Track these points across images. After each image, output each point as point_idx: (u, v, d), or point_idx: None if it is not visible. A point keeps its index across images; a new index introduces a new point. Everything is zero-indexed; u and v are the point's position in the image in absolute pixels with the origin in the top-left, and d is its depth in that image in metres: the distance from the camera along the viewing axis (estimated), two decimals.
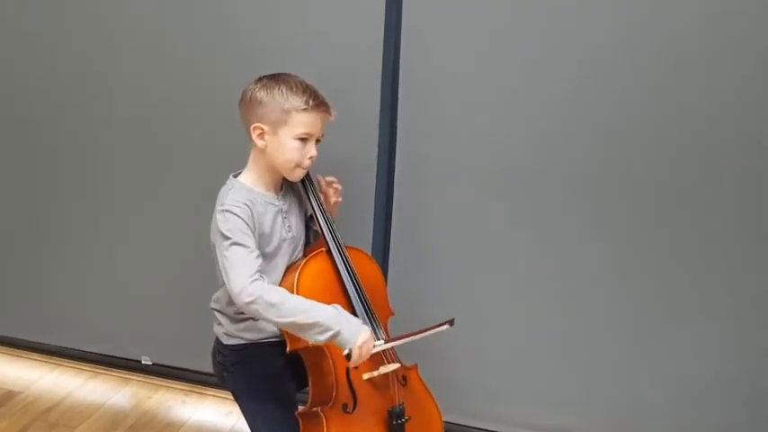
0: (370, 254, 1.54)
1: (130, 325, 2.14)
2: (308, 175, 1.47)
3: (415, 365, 1.54)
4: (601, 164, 1.57)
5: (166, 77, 1.83)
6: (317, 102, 1.32)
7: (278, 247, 1.40)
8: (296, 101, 1.30)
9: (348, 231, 1.64)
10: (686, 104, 1.48)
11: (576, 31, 1.50)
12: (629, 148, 1.55)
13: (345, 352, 1.25)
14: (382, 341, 1.37)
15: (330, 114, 1.36)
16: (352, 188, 1.70)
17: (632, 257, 1.62)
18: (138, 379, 2.23)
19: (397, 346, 1.41)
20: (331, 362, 1.37)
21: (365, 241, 1.74)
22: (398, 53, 1.62)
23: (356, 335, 1.26)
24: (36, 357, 2.32)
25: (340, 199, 1.51)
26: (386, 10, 1.58)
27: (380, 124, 1.68)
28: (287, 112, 1.30)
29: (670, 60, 1.46)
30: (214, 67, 1.76)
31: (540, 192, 1.63)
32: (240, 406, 1.43)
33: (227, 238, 1.27)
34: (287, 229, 1.42)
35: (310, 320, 1.23)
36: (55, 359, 2.30)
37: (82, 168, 2.00)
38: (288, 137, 1.32)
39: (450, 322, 1.39)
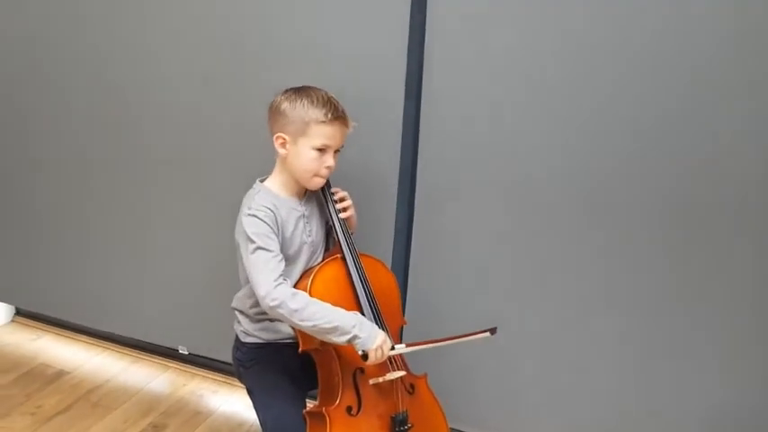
0: (385, 263, 1.57)
1: (170, 315, 2.24)
2: (328, 184, 1.53)
3: (425, 375, 1.57)
4: (633, 177, 1.53)
5: (195, 90, 1.92)
6: (336, 115, 1.38)
7: (298, 251, 1.47)
8: (316, 113, 1.36)
9: (369, 241, 1.71)
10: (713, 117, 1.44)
11: (603, 38, 1.48)
12: (660, 157, 1.50)
13: (361, 353, 1.32)
14: (403, 345, 1.41)
15: (348, 127, 1.42)
16: (374, 197, 1.76)
17: (670, 272, 1.56)
18: (176, 367, 2.35)
19: (414, 351, 1.45)
20: (338, 364, 1.42)
21: (385, 251, 1.78)
22: (422, 63, 1.64)
23: (373, 338, 1.33)
24: (87, 340, 2.49)
25: (350, 213, 1.54)
26: (410, 25, 1.61)
27: (403, 135, 1.70)
28: (307, 123, 1.36)
29: (702, 72, 1.43)
30: (241, 78, 1.84)
31: (566, 203, 1.61)
32: (253, 402, 1.51)
33: (253, 241, 1.35)
34: (307, 233, 1.48)
35: (330, 325, 1.31)
36: (103, 343, 2.47)
37: (128, 165, 2.12)
38: (307, 147, 1.38)
39: (492, 330, 1.40)
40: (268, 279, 1.31)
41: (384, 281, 1.54)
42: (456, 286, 1.77)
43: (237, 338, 1.54)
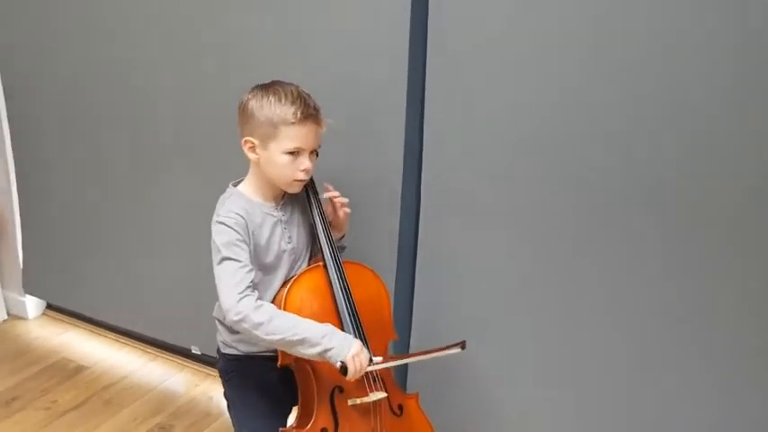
0: (375, 271, 1.45)
1: (184, 315, 2.22)
2: (312, 185, 1.42)
3: (416, 395, 1.44)
4: (652, 197, 1.35)
5: (206, 86, 1.87)
6: (306, 114, 1.26)
7: (277, 259, 1.37)
8: (284, 113, 1.25)
9: (370, 255, 1.60)
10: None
11: (618, 30, 1.30)
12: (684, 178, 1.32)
13: (338, 365, 1.21)
14: (381, 358, 1.30)
15: (321, 125, 1.30)
16: (375, 208, 1.66)
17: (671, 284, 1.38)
18: (192, 366, 2.33)
19: (395, 366, 1.35)
20: (314, 381, 1.32)
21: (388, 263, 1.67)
22: (425, 62, 1.51)
23: (347, 347, 1.23)
24: (111, 336, 2.51)
25: (347, 210, 1.44)
26: (411, 20, 1.48)
27: (406, 141, 1.58)
28: (275, 126, 1.25)
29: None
30: (248, 75, 1.75)
31: (582, 210, 1.44)
32: (230, 414, 1.44)
33: (220, 251, 1.27)
34: (287, 240, 1.38)
35: (297, 337, 1.22)
36: (126, 340, 2.48)
37: (149, 169, 2.10)
38: (277, 152, 1.28)
39: (462, 345, 1.31)
40: (232, 292, 1.23)
41: (372, 290, 1.43)
42: (466, 303, 1.63)
43: (218, 348, 1.47)
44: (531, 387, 1.59)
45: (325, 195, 1.41)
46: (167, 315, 2.28)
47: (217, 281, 1.27)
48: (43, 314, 2.67)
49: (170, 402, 2.13)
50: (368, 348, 1.32)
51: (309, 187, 1.42)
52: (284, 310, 1.31)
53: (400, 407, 1.40)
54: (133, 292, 2.31)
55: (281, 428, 1.34)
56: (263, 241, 1.34)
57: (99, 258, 2.36)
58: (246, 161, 1.36)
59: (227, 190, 1.37)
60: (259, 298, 1.33)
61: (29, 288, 2.56)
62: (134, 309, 2.34)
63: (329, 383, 1.32)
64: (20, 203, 2.48)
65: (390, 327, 1.44)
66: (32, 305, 2.62)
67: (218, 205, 1.35)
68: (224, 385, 1.47)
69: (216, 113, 1.82)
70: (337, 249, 1.39)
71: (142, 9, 1.92)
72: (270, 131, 1.26)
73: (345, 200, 1.43)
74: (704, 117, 1.26)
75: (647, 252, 1.38)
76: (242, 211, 1.30)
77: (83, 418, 2.03)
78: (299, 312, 1.31)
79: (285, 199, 1.40)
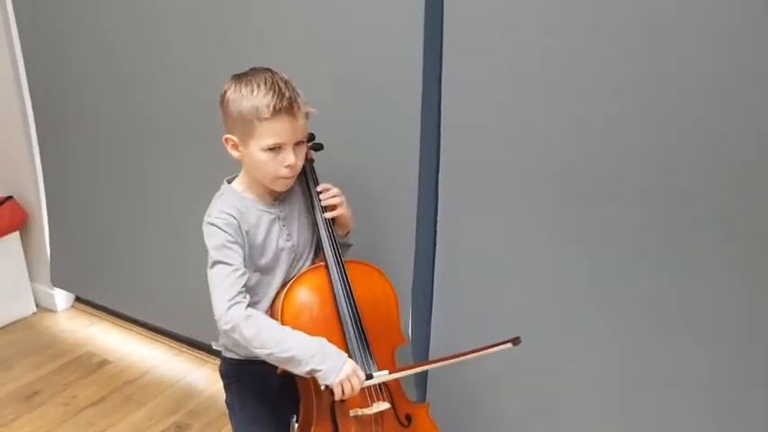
0: (383, 272, 1.34)
1: (208, 310, 2.17)
2: (314, 178, 1.33)
3: (426, 404, 1.34)
4: (681, 188, 1.20)
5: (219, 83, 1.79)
6: (279, 107, 1.13)
7: (275, 258, 1.28)
8: (257, 107, 1.14)
9: (389, 249, 1.55)
10: None
11: (643, 21, 1.15)
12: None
13: (323, 388, 1.13)
14: (385, 372, 1.20)
15: (298, 118, 1.17)
16: (391, 206, 1.57)
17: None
18: (214, 362, 2.28)
19: (398, 378, 1.24)
20: (313, 391, 1.23)
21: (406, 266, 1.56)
22: (441, 59, 1.39)
23: (337, 371, 1.13)
24: (138, 331, 2.49)
25: (339, 211, 1.32)
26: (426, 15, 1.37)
27: (422, 139, 1.48)
28: (249, 122, 1.15)
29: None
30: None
31: (600, 218, 1.31)
32: (230, 419, 1.36)
33: (211, 255, 1.19)
34: (285, 238, 1.29)
35: (286, 354, 1.13)
36: (152, 334, 2.46)
37: (172, 169, 2.06)
38: (256, 149, 1.17)
39: (514, 341, 1.19)
40: (222, 299, 1.15)
41: (378, 291, 1.32)
42: (488, 309, 1.50)
43: (221, 352, 1.40)
44: (562, 399, 1.46)
45: (321, 197, 1.30)
46: (191, 310, 2.22)
47: (209, 285, 1.19)
48: (72, 307, 2.69)
49: (189, 400, 2.09)
50: (371, 356, 1.23)
51: (310, 180, 1.32)
52: (282, 313, 1.23)
53: (408, 417, 1.30)
54: (158, 286, 2.28)
55: None
56: (258, 240, 1.25)
57: (125, 252, 2.34)
58: None
59: (221, 187, 1.29)
60: (252, 303, 1.25)
61: (56, 281, 2.58)
62: (159, 303, 2.31)
63: (329, 395, 1.22)
64: (47, 198, 2.49)
65: (398, 331, 1.33)
66: (61, 298, 2.64)
67: (210, 205, 1.26)
68: (225, 391, 1.39)
69: None
70: (340, 247, 1.29)
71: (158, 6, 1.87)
72: (246, 128, 1.16)
73: (337, 200, 1.31)
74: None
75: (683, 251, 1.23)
76: (234, 211, 1.21)
77: (100, 415, 2.01)
78: (297, 317, 1.23)
79: (284, 194, 1.30)
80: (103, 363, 2.29)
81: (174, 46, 1.89)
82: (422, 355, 1.65)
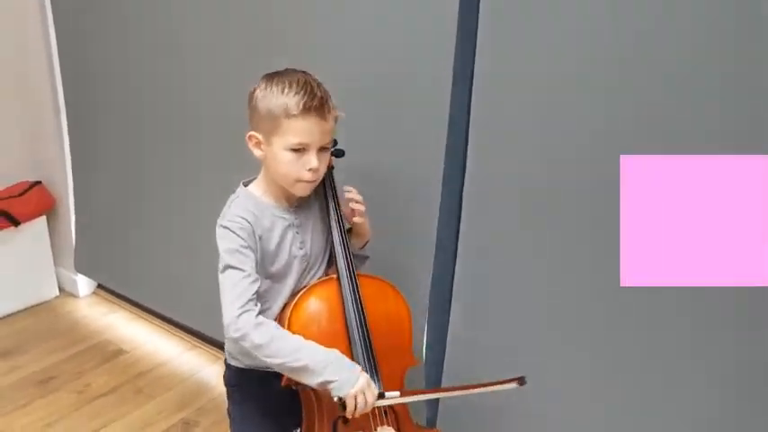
0: (398, 290, 1.29)
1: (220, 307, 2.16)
2: (332, 187, 1.28)
3: (436, 431, 1.28)
4: None
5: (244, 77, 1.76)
6: (309, 105, 1.10)
7: (287, 266, 1.24)
8: (286, 104, 1.10)
9: (404, 262, 1.49)
10: None
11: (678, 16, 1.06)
12: None
13: (336, 400, 1.08)
14: (396, 393, 1.15)
15: (327, 120, 1.14)
16: (411, 207, 1.51)
17: None
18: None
19: (409, 402, 1.19)
20: (316, 409, 1.19)
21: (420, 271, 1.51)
22: (474, 48, 1.33)
23: (351, 383, 1.08)
24: (154, 322, 2.50)
25: (360, 219, 1.29)
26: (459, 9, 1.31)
27: (449, 133, 1.41)
28: (277, 118, 1.12)
29: None
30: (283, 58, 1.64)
31: None
32: (230, 428, 1.33)
33: (223, 258, 1.16)
34: (298, 245, 1.25)
35: (299, 363, 1.09)
36: (168, 326, 2.46)
37: (194, 162, 2.05)
38: (280, 148, 1.14)
39: (520, 380, 1.10)
40: (233, 306, 1.11)
41: (391, 309, 1.27)
42: (511, 320, 1.44)
43: (225, 359, 1.37)
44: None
45: (347, 196, 1.27)
46: (207, 305, 2.20)
47: (220, 290, 1.15)
48: (93, 293, 2.71)
49: (199, 396, 2.08)
50: (377, 376, 1.18)
51: (328, 188, 1.28)
52: (289, 324, 1.19)
53: None
54: (177, 279, 2.27)
55: None
56: (271, 246, 1.21)
57: (147, 244, 2.34)
58: None
59: (237, 190, 1.25)
60: (263, 311, 1.22)
61: (80, 267, 2.60)
62: (177, 296, 2.31)
63: (333, 412, 1.18)
64: (74, 185, 2.51)
65: (409, 352, 1.28)
66: (84, 284, 2.66)
67: (225, 207, 1.23)
68: (227, 398, 1.36)
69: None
70: (353, 260, 1.25)
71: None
72: (272, 125, 1.13)
73: (362, 207, 1.28)
74: None
75: None
76: (248, 215, 1.18)
77: (111, 405, 2.01)
78: (304, 329, 1.18)
79: (300, 200, 1.26)
80: (119, 352, 2.30)
81: (201, 42, 1.88)
82: (435, 374, 1.60)
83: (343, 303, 1.21)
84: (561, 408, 1.40)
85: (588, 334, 1.32)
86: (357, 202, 1.27)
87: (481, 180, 1.41)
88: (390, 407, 1.21)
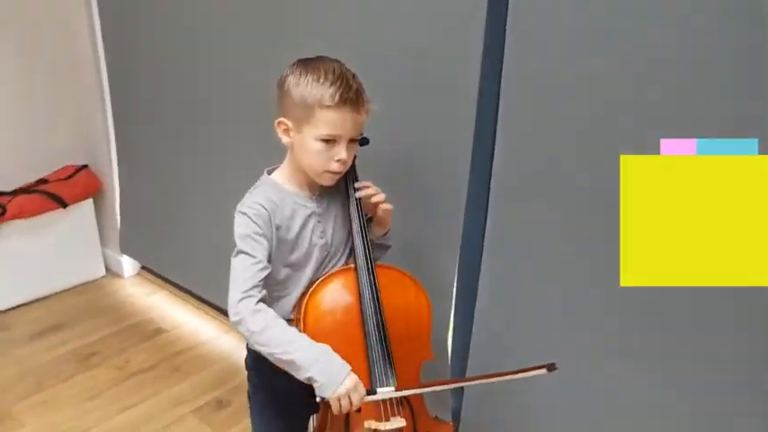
0: (419, 283, 1.28)
1: None
2: (354, 176, 1.28)
3: (450, 424, 1.28)
4: None
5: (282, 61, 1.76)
6: (345, 97, 1.10)
7: (307, 255, 1.25)
8: (320, 95, 1.10)
9: (432, 248, 1.47)
10: None
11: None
12: None
13: (318, 400, 1.08)
14: (390, 389, 1.15)
15: (360, 113, 1.14)
16: (438, 198, 1.50)
17: None
18: None
19: (406, 395, 1.19)
20: None
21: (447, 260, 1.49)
22: (504, 32, 1.29)
23: (335, 385, 1.07)
24: (194, 304, 2.57)
25: (386, 207, 1.27)
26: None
27: (477, 120, 1.38)
28: (310, 107, 1.11)
29: None
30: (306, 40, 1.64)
31: None
32: (249, 411, 1.36)
33: (237, 243, 1.18)
34: (319, 234, 1.25)
35: (287, 357, 1.09)
36: (205, 308, 2.53)
37: (235, 149, 2.08)
38: (311, 137, 1.14)
39: (550, 367, 1.10)
40: (237, 290, 1.13)
41: (410, 301, 1.26)
42: (535, 321, 1.41)
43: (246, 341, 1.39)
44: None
45: (357, 195, 1.25)
46: None
47: (231, 273, 1.17)
48: (138, 274, 2.81)
49: (233, 377, 2.13)
50: (391, 367, 1.17)
51: (350, 178, 1.27)
52: (305, 313, 1.19)
53: None
54: (216, 263, 2.28)
55: None
56: (291, 235, 1.22)
57: (188, 227, 2.40)
58: None
59: (261, 178, 1.27)
60: (280, 297, 1.25)
61: (124, 248, 2.69)
62: (216, 279, 2.32)
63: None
64: (119, 169, 2.59)
65: (427, 345, 1.27)
66: (129, 264, 2.76)
67: (246, 194, 1.25)
68: (247, 382, 1.39)
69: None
70: (372, 250, 1.24)
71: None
72: (304, 114, 1.12)
73: (382, 197, 1.26)
74: None
75: None
76: (267, 203, 1.18)
77: (148, 382, 2.09)
78: (319, 319, 1.19)
79: (323, 189, 1.26)
80: (159, 331, 2.38)
81: (241, 27, 1.89)
82: (460, 365, 1.59)
83: (360, 293, 1.21)
84: (588, 404, 1.37)
85: (618, 329, 1.28)
86: (373, 196, 1.26)
87: (509, 171, 1.38)
88: (405, 398, 1.21)
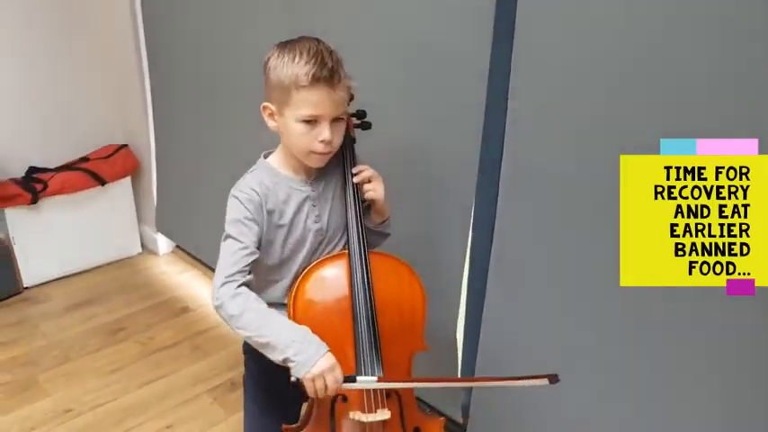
0: (414, 272, 1.23)
1: None
2: (351, 160, 1.24)
3: (441, 419, 1.22)
4: None
5: None
6: (319, 75, 1.06)
7: (302, 239, 1.22)
8: (296, 74, 1.06)
9: (441, 240, 1.43)
10: None
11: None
12: None
13: (293, 379, 1.05)
14: (372, 378, 1.10)
15: (335, 89, 1.09)
16: (449, 189, 1.45)
17: None
18: None
19: (387, 387, 1.15)
20: None
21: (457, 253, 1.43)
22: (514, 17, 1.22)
23: (310, 365, 1.04)
24: None
25: (374, 194, 1.21)
26: None
27: (487, 106, 1.32)
28: (287, 89, 1.08)
29: None
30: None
31: None
32: (243, 396, 1.35)
33: (225, 227, 1.17)
34: (314, 219, 1.22)
35: (263, 339, 1.08)
36: None
37: (264, 135, 2.04)
38: (292, 119, 1.11)
39: (551, 378, 1.01)
40: (221, 275, 1.11)
41: (405, 291, 1.21)
42: (549, 308, 1.34)
43: None
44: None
45: (354, 180, 1.21)
46: None
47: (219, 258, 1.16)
48: (172, 252, 2.87)
49: None
50: (378, 356, 1.13)
51: (347, 162, 1.23)
52: (295, 297, 1.17)
53: (416, 430, 1.19)
54: None
55: (282, 427, 1.22)
56: (285, 219, 1.19)
57: (220, 208, 2.39)
58: None
59: (257, 161, 1.24)
60: (273, 281, 1.23)
61: (160, 227, 2.76)
62: None
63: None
64: (156, 149, 2.64)
65: (419, 336, 1.22)
66: (164, 242, 2.82)
67: (241, 178, 1.23)
68: (243, 366, 1.38)
69: None
70: (366, 236, 1.20)
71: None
72: (283, 96, 1.10)
73: (371, 180, 1.21)
74: None
75: None
76: (260, 187, 1.16)
77: (169, 359, 2.12)
78: (310, 304, 1.17)
79: (319, 173, 1.23)
80: (185, 309, 2.43)
81: (273, 12, 1.88)
82: (469, 359, 1.54)
83: (352, 280, 1.17)
84: (595, 407, 1.29)
85: (629, 328, 1.19)
86: (367, 178, 1.21)
87: (519, 162, 1.31)
88: (394, 390, 1.17)
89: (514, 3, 1.20)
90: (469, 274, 1.50)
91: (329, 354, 1.05)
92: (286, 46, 1.11)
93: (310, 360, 1.04)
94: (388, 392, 1.16)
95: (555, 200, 1.26)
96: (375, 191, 1.21)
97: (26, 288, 2.50)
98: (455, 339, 1.56)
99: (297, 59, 1.07)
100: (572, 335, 1.29)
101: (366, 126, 1.31)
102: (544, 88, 1.21)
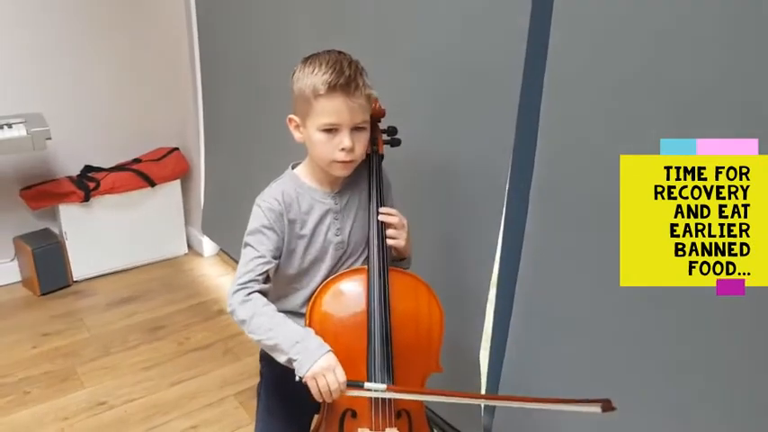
0: (434, 293, 1.20)
1: None
2: (378, 176, 1.23)
3: None
4: None
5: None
6: (335, 83, 1.07)
7: (322, 251, 1.22)
8: (314, 84, 1.08)
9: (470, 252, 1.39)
10: None
11: None
12: None
13: (297, 379, 1.06)
14: (382, 386, 1.08)
15: (353, 98, 1.09)
16: (478, 194, 1.42)
17: None
18: None
19: (398, 398, 1.13)
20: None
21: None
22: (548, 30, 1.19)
23: (310, 363, 1.05)
24: None
25: (395, 242, 1.20)
26: None
27: (519, 115, 1.30)
28: (308, 99, 1.10)
29: None
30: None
31: None
32: (257, 404, 1.35)
33: (245, 235, 1.19)
34: (335, 231, 1.22)
35: (272, 342, 1.09)
36: None
37: None
38: (313, 129, 1.12)
39: (605, 405, 0.92)
40: (236, 282, 1.13)
41: (423, 311, 1.19)
42: (576, 328, 1.29)
43: None
44: None
45: (379, 218, 1.20)
46: None
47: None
48: (217, 254, 2.93)
49: None
50: (390, 373, 1.12)
51: (373, 176, 1.23)
52: (312, 309, 1.17)
53: None
54: None
55: None
56: (306, 230, 1.20)
57: None
58: None
59: (285, 172, 1.26)
60: (294, 290, 1.24)
61: (206, 230, 2.83)
62: None
63: (341, 404, 1.14)
64: (205, 153, 2.72)
65: (435, 357, 1.19)
66: (208, 245, 2.89)
67: (267, 186, 1.25)
68: (259, 375, 1.39)
69: None
70: (387, 251, 1.19)
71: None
72: (305, 107, 1.12)
73: (395, 230, 1.19)
74: None
75: None
76: (283, 197, 1.18)
77: (200, 360, 2.17)
78: (326, 317, 1.16)
79: (345, 186, 1.23)
80: (220, 312, 2.47)
81: (315, 19, 1.92)
82: (493, 378, 1.50)
83: (369, 295, 1.16)
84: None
85: (661, 348, 1.13)
86: (390, 224, 1.19)
87: (550, 180, 1.27)
88: (405, 410, 1.15)
89: (548, 23, 1.17)
90: (497, 292, 1.47)
91: (330, 354, 1.06)
92: (309, 58, 1.13)
93: (310, 358, 1.04)
94: (399, 411, 1.14)
95: (582, 216, 1.22)
96: (396, 240, 1.20)
97: (75, 282, 2.62)
98: (477, 359, 1.52)
99: (316, 70, 1.09)
100: (606, 357, 1.24)
101: (396, 143, 1.31)
102: (576, 107, 1.18)
